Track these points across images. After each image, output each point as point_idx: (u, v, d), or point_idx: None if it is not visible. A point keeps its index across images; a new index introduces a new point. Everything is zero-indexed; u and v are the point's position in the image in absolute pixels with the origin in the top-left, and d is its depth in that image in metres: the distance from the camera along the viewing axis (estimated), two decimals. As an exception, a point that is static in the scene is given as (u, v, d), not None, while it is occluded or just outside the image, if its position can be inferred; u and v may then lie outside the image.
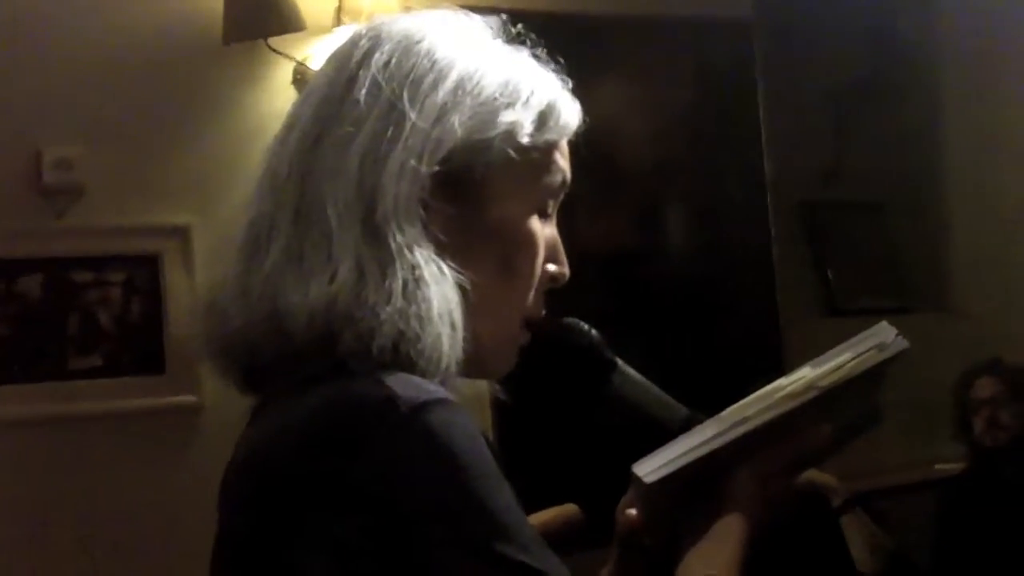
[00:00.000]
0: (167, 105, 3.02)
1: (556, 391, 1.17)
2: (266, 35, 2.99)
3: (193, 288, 2.91)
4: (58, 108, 2.92)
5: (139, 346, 2.96)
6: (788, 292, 3.90)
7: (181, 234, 2.98)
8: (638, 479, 0.99)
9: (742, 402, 1.02)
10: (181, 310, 2.92)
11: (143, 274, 2.98)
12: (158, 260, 2.98)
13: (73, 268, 2.92)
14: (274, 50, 3.03)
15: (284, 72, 3.08)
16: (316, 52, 3.04)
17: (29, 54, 2.90)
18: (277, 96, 3.05)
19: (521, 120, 0.99)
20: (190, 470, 2.85)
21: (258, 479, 0.91)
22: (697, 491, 1.01)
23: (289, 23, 2.95)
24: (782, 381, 1.02)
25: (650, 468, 0.99)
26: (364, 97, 0.97)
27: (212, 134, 3.03)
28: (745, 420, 1.00)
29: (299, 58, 3.05)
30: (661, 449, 1.00)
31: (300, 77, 3.03)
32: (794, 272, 4.05)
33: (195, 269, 2.94)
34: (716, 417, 1.02)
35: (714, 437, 1.00)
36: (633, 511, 1.03)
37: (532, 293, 1.03)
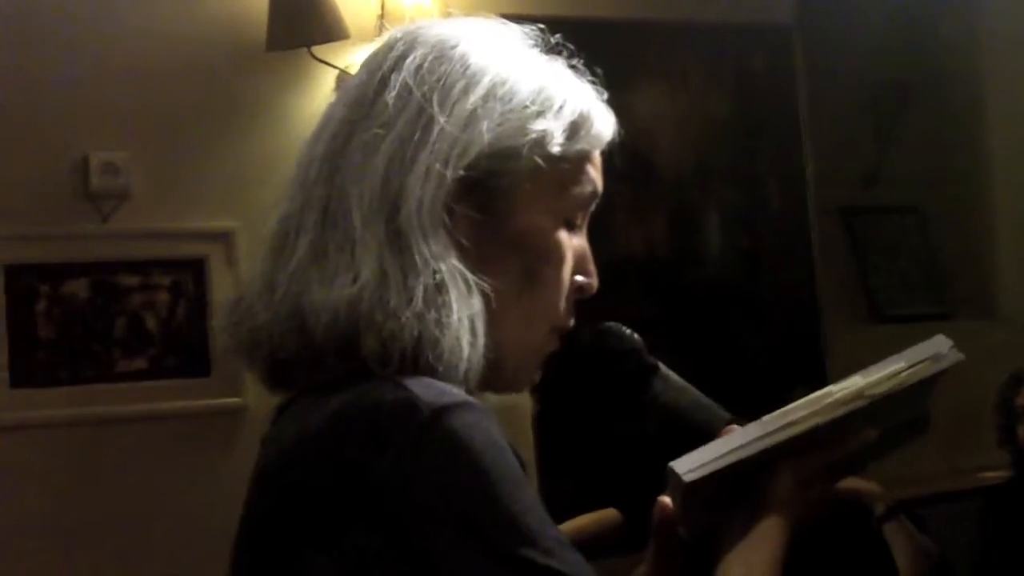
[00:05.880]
0: (212, 112, 3.06)
1: (597, 396, 1.17)
2: (309, 43, 3.02)
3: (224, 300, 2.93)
4: (105, 114, 2.97)
5: (185, 349, 3.00)
6: (828, 298, 3.88)
7: (225, 238, 3.02)
8: (676, 476, 0.98)
9: (788, 407, 1.01)
10: (219, 318, 2.93)
11: (189, 278, 3.02)
12: (204, 264, 3.02)
13: (119, 272, 2.97)
14: (317, 58, 3.06)
15: (327, 80, 3.11)
16: (358, 60, 3.05)
17: (76, 62, 2.95)
18: (320, 103, 3.07)
19: (552, 129, 0.98)
20: (234, 471, 2.85)
21: (278, 483, 0.91)
22: (735, 493, 1.01)
23: (332, 31, 2.97)
24: (832, 388, 1.01)
25: (689, 467, 0.98)
26: (394, 100, 0.96)
27: (256, 140, 3.07)
28: (789, 425, 0.99)
29: (342, 66, 3.08)
30: (701, 448, 0.99)
31: (342, 85, 3.06)
32: (835, 278, 4.02)
33: (239, 273, 2.97)
34: (760, 420, 1.01)
35: (756, 440, 0.99)
36: (670, 503, 1.01)
37: (560, 303, 1.01)
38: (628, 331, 1.16)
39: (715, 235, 3.81)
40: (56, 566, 2.83)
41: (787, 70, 3.82)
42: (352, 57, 3.07)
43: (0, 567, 2.77)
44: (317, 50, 3.05)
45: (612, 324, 1.17)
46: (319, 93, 3.11)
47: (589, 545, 0.90)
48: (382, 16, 3.08)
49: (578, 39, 1.08)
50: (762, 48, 3.80)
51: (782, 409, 1.01)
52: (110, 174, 2.94)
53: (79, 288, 2.94)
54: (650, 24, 3.59)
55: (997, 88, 4.41)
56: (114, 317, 2.96)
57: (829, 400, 1.00)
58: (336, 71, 3.08)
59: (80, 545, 2.86)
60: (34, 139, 2.91)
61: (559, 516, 0.93)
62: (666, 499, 1.01)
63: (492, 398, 1.01)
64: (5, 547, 2.78)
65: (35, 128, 2.91)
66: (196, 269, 3.02)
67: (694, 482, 0.97)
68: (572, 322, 1.04)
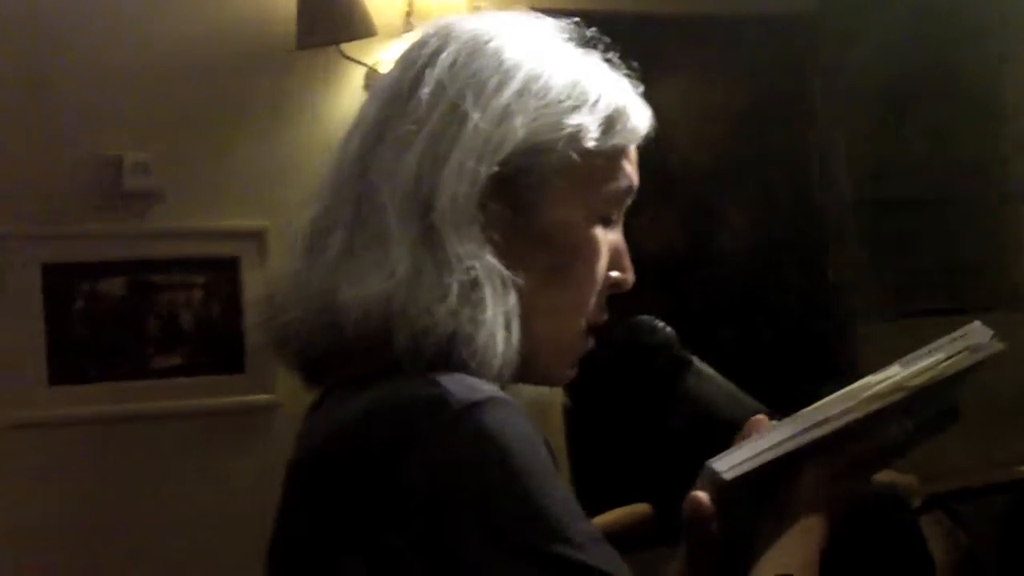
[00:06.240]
0: (242, 110, 3.08)
1: (629, 390, 1.16)
2: (338, 41, 3.03)
3: (254, 298, 2.96)
4: (137, 114, 2.99)
5: (218, 346, 3.03)
6: (845, 293, 3.85)
7: (257, 237, 3.04)
8: (714, 475, 0.97)
9: (824, 400, 0.99)
10: (253, 313, 2.96)
11: (222, 276, 3.04)
12: (236, 262, 3.05)
13: (154, 270, 2.99)
14: (346, 55, 3.08)
15: (356, 77, 3.12)
16: (387, 57, 3.07)
17: (108, 64, 2.97)
18: (349, 100, 3.09)
19: (587, 124, 0.97)
20: (267, 467, 2.88)
21: (311, 481, 0.91)
22: (770, 489, 1.00)
23: (360, 29, 2.98)
24: (870, 379, 0.99)
25: (728, 465, 0.96)
26: (428, 96, 0.95)
27: (286, 138, 3.08)
28: (826, 421, 0.98)
29: (370, 63, 3.09)
30: (738, 446, 0.98)
31: (371, 82, 3.07)
32: (852, 272, 4.00)
33: (271, 271, 2.98)
34: (796, 415, 0.99)
35: (794, 436, 0.97)
36: (704, 498, 0.99)
37: (592, 299, 1.00)
38: (661, 324, 1.15)
39: (729, 230, 3.79)
40: (91, 561, 2.86)
41: (802, 62, 3.80)
42: (380, 54, 3.08)
43: (37, 561, 2.80)
44: (346, 47, 3.06)
45: (644, 318, 1.16)
46: (348, 90, 3.12)
47: (620, 539, 0.89)
48: (410, 13, 3.09)
49: (601, 33, 1.06)
50: (780, 40, 3.77)
51: (818, 403, 0.99)
52: (143, 174, 2.96)
53: (115, 287, 2.97)
54: (667, 17, 3.58)
55: (1015, 79, 4.36)
56: (149, 315, 2.99)
57: (867, 393, 0.98)
58: (365, 68, 3.09)
59: (115, 540, 2.89)
60: (69, 140, 2.93)
61: (590, 511, 0.93)
62: (700, 495, 0.99)
63: (524, 392, 1.01)
64: (42, 542, 2.82)
65: (69, 129, 2.93)
66: (229, 267, 3.04)
67: (732, 480, 0.97)
68: (605, 317, 1.03)
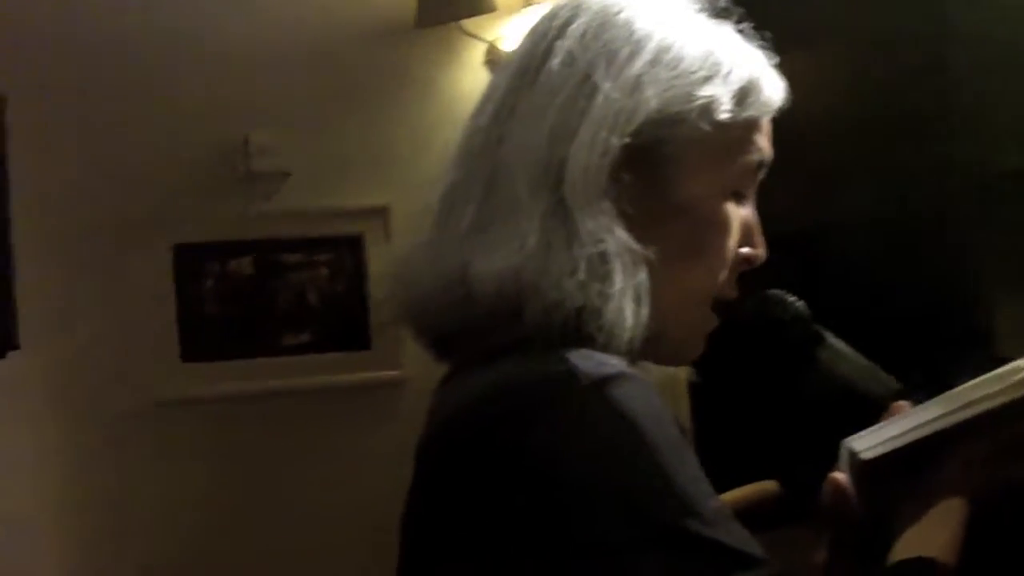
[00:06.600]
0: (364, 89, 3.11)
1: (760, 365, 1.14)
2: (458, 17, 3.04)
3: (388, 270, 2.98)
4: (262, 96, 3.04)
5: (345, 323, 3.07)
6: (985, 267, 3.73)
7: (381, 214, 3.07)
8: (853, 454, 0.95)
9: (972, 382, 0.96)
10: (384, 288, 2.99)
11: (347, 254, 3.08)
12: (360, 240, 3.08)
13: (281, 249, 3.05)
14: (466, 32, 3.08)
15: (476, 53, 3.12)
16: (507, 33, 3.06)
17: (233, 47, 3.03)
18: (469, 77, 3.10)
19: (720, 95, 0.95)
20: (393, 443, 2.92)
21: (439, 454, 0.91)
22: (912, 471, 0.96)
23: (480, 5, 2.98)
24: (1020, 363, 0.95)
25: (868, 444, 0.94)
26: (559, 68, 0.95)
27: (407, 116, 3.10)
28: (973, 403, 0.94)
29: (490, 39, 3.08)
30: (879, 426, 0.95)
31: (491, 58, 3.07)
32: (993, 246, 3.87)
33: (395, 248, 3.01)
34: (942, 396, 0.96)
35: (939, 418, 0.94)
36: (843, 479, 0.96)
37: (722, 274, 0.99)
38: (792, 298, 1.13)
39: (862, 201, 3.70)
40: (221, 535, 2.93)
41: (950, 25, 3.68)
42: (501, 30, 3.08)
43: (169, 536, 2.88)
44: (466, 24, 3.06)
45: (776, 291, 1.14)
46: (469, 67, 3.12)
47: (747, 518, 0.88)
48: (530, -12, 3.08)
49: (734, 3, 1.04)
50: (923, 4, 3.66)
51: (966, 385, 0.96)
52: (269, 155, 3.01)
53: (244, 266, 3.03)
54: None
55: None
56: (277, 293, 3.05)
57: (1017, 377, 0.94)
58: (485, 44, 3.09)
59: (245, 515, 2.96)
60: (196, 123, 3.00)
61: (715, 488, 0.91)
62: (839, 476, 0.97)
63: (650, 369, 0.99)
64: (175, 517, 2.90)
65: (197, 112, 3.00)
66: (354, 245, 3.08)
67: (872, 460, 0.94)
68: (735, 294, 1.02)
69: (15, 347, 2.37)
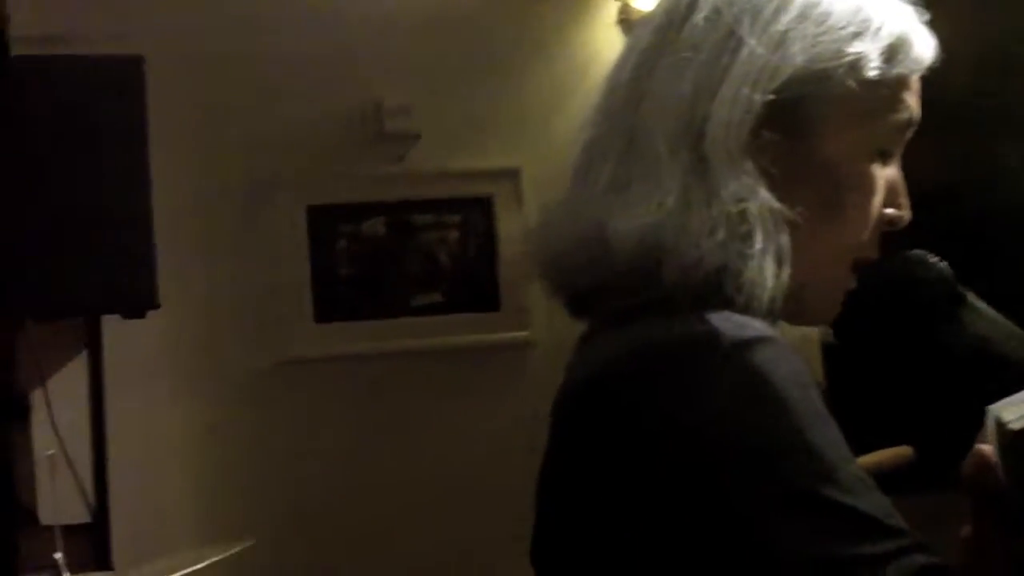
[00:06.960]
0: (495, 50, 3.11)
1: (901, 326, 1.11)
2: (590, -23, 3.01)
3: (524, 228, 2.99)
4: (396, 59, 3.07)
5: (475, 284, 3.09)
6: None
7: (511, 176, 3.07)
8: (1002, 425, 0.91)
9: None
10: (513, 249, 3.01)
11: (477, 215, 3.10)
12: (491, 201, 3.10)
13: (413, 210, 3.08)
14: (598, -9, 3.06)
15: (608, 12, 3.09)
16: (640, -9, 3.03)
17: (366, 8, 3.06)
18: (601, 36, 3.07)
19: (869, 52, 0.92)
20: (521, 403, 2.94)
21: (577, 413, 0.90)
22: None
23: (613, -37, 2.95)
24: None
25: (1016, 414, 0.91)
26: (702, 23, 0.93)
27: (538, 77, 3.10)
28: None
29: (623, -1, 3.05)
30: None
31: (624, 17, 3.04)
32: None
33: (525, 210, 3.02)
34: None
35: None
36: (989, 451, 0.94)
37: (865, 235, 0.96)
38: (935, 259, 1.10)
39: (1008, 162, 3.57)
40: (351, 491, 2.99)
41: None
42: (633, -11, 3.05)
43: (302, 490, 2.95)
44: (598, -17, 3.04)
45: (918, 252, 1.11)
46: (601, 26, 3.10)
47: (883, 482, 0.85)
48: (663, -54, 3.03)
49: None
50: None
51: None
52: (402, 116, 3.04)
53: (376, 227, 3.07)
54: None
55: None
56: (409, 254, 3.08)
57: None
58: (618, 3, 3.06)
59: (373, 472, 3.01)
60: (330, 86, 3.04)
61: (852, 452, 0.89)
62: (984, 448, 0.91)
63: (787, 331, 0.97)
64: (311, 472, 2.96)
65: (332, 75, 3.04)
66: (484, 206, 3.10)
67: (1020, 430, 0.90)
68: (877, 255, 0.99)
69: (155, 306, 2.45)
